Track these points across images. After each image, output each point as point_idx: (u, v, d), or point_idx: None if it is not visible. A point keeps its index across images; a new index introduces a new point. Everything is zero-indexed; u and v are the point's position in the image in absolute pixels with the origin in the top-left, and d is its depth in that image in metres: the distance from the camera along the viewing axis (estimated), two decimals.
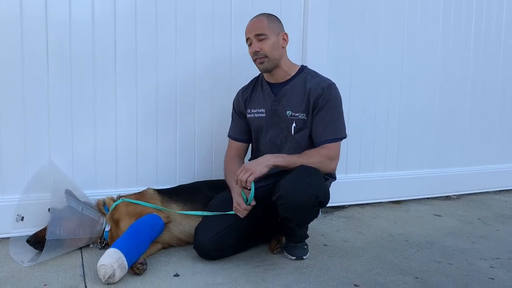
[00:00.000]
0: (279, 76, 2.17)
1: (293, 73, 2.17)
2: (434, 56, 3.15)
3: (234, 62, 2.60)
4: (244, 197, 2.03)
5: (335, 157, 2.09)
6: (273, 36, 2.10)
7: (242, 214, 2.00)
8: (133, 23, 2.38)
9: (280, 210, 1.95)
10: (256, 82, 2.28)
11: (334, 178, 2.21)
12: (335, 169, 2.13)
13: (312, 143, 2.12)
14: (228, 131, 2.35)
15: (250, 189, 1.97)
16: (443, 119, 3.23)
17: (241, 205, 2.00)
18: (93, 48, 2.30)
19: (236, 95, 2.33)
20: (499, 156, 3.49)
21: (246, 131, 2.30)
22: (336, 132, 2.09)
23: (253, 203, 2.01)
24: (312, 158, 2.02)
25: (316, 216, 2.07)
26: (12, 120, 2.20)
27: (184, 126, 2.55)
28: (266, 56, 2.08)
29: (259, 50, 2.08)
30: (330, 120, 2.08)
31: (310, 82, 2.13)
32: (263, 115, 2.18)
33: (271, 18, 2.15)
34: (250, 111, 2.23)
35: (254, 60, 2.13)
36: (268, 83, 2.21)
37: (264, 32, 2.09)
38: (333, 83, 2.14)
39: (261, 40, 2.08)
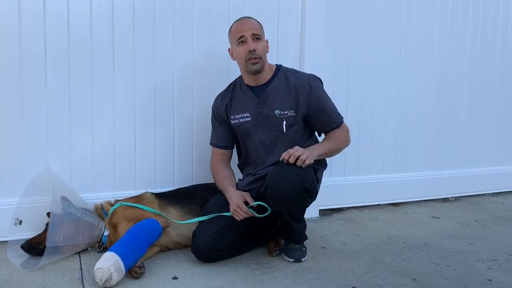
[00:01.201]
0: (260, 79, 2.17)
1: (271, 74, 2.19)
2: (430, 55, 3.15)
3: (232, 59, 2.59)
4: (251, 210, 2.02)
5: (348, 131, 2.21)
6: (264, 39, 2.15)
7: (240, 217, 2.01)
8: (131, 21, 2.37)
9: (269, 202, 1.98)
10: (234, 87, 2.26)
11: (325, 166, 2.24)
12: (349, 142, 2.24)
13: (302, 136, 2.16)
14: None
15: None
16: (441, 120, 3.24)
17: (242, 208, 2.00)
18: (91, 49, 2.30)
19: (215, 101, 2.30)
20: (496, 158, 3.49)
21: (229, 137, 2.28)
22: (338, 116, 2.19)
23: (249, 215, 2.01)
24: (338, 138, 2.16)
25: (307, 205, 2.06)
26: (10, 122, 2.20)
27: (182, 127, 2.54)
28: (260, 58, 2.09)
29: (255, 49, 2.07)
30: (329, 108, 2.17)
31: (292, 79, 2.16)
32: (248, 119, 2.17)
33: (260, 23, 2.18)
34: (234, 116, 2.21)
35: (247, 60, 2.09)
36: (248, 86, 2.20)
37: (259, 33, 2.12)
38: (315, 75, 2.21)
39: (256, 40, 2.10)
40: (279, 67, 2.22)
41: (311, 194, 2.01)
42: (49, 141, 2.27)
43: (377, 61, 2.97)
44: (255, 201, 2.04)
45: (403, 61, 3.05)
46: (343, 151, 2.21)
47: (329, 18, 2.74)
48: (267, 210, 2.02)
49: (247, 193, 2.09)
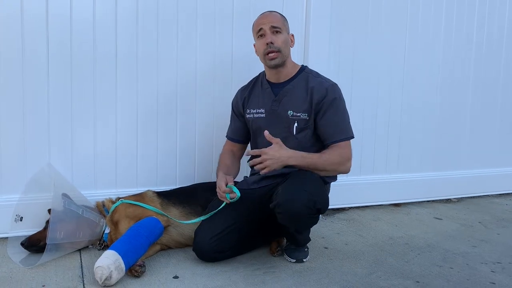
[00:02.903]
0: (282, 75, 2.14)
1: (294, 73, 2.15)
2: (435, 56, 3.12)
3: (235, 64, 2.59)
4: (228, 197, 1.99)
5: (350, 157, 2.04)
6: (285, 32, 2.10)
7: (220, 196, 2.00)
8: (134, 25, 2.36)
9: (278, 218, 1.93)
10: (256, 82, 2.25)
11: (335, 178, 2.20)
12: (349, 170, 2.06)
13: (314, 142, 2.10)
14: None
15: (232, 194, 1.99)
16: (444, 121, 3.22)
17: (221, 188, 1.99)
18: (93, 49, 2.29)
19: (235, 94, 2.31)
20: (500, 159, 3.48)
21: (243, 132, 2.28)
22: (347, 131, 2.06)
23: (230, 200, 1.99)
24: (331, 158, 2.00)
25: (316, 223, 2.03)
26: (12, 120, 2.19)
27: (185, 127, 2.54)
28: (279, 51, 2.05)
29: (273, 42, 2.03)
30: (339, 120, 2.06)
31: (312, 81, 2.10)
32: (262, 115, 2.16)
33: (283, 16, 2.14)
34: (250, 111, 2.20)
35: (266, 54, 2.06)
36: (269, 82, 2.18)
37: (279, 25, 2.07)
38: (336, 84, 2.12)
39: (275, 33, 2.05)
40: (303, 68, 2.18)
41: (322, 212, 1.97)
42: (51, 139, 2.26)
43: (381, 61, 2.95)
44: (263, 200, 2.02)
45: (407, 61, 3.03)
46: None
47: (333, 17, 2.73)
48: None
49: (230, 177, 2.07)
